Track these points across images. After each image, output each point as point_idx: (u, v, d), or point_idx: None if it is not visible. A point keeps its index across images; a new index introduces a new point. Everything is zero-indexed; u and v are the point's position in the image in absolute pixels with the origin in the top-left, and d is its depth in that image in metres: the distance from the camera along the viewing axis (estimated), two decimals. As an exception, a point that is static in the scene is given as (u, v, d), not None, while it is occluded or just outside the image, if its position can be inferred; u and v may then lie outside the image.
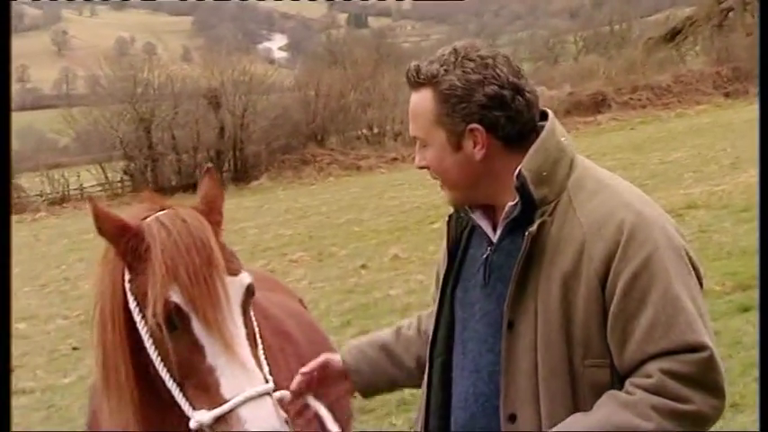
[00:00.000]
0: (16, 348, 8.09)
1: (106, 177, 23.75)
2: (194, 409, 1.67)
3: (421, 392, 1.92)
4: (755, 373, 4.35)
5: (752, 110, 19.52)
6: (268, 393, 1.65)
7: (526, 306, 1.63)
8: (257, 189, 22.24)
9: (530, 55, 53.29)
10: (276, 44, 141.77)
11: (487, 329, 1.70)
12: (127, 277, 1.76)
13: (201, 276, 1.68)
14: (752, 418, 4.21)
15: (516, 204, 1.65)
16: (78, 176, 23.43)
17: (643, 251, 1.56)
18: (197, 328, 1.68)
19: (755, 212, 8.38)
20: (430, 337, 1.85)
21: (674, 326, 1.54)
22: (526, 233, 1.61)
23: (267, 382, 1.68)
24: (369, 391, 2.01)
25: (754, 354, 4.48)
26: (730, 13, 29.37)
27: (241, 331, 1.71)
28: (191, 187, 19.60)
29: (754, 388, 4.35)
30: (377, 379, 1.97)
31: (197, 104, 23.60)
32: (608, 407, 1.55)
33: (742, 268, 7.13)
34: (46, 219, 22.28)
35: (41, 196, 23.54)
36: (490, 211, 1.75)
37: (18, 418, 6.50)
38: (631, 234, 1.57)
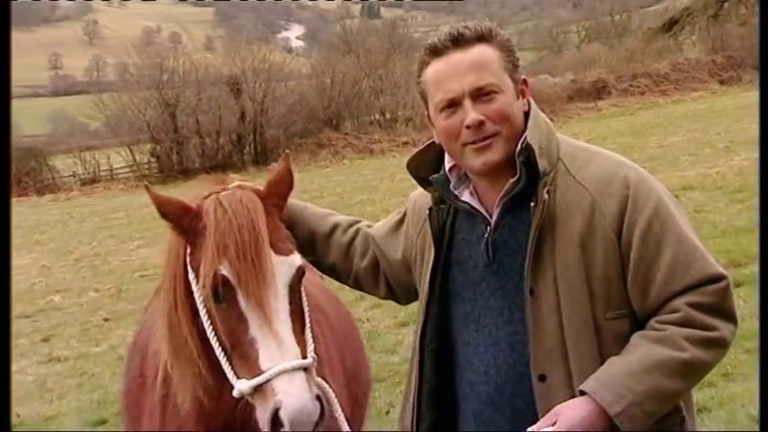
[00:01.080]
0: (51, 319, 9.49)
1: (134, 159, 24.68)
2: (237, 378, 1.79)
3: (406, 383, 2.02)
4: (747, 344, 4.57)
5: (745, 96, 21.26)
6: (303, 368, 1.74)
7: (544, 272, 1.72)
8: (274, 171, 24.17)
9: (534, 44, 56.07)
10: (294, 34, 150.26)
11: (503, 303, 1.79)
12: (188, 251, 1.92)
13: (249, 253, 1.80)
14: (743, 386, 4.43)
15: (519, 180, 1.73)
16: (108, 158, 24.36)
17: (651, 201, 1.71)
18: (242, 301, 1.80)
19: (748, 193, 9.50)
20: (419, 329, 1.95)
21: (693, 262, 1.68)
22: (532, 204, 1.72)
23: (305, 357, 1.78)
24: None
25: (745, 326, 4.25)
26: (725, 4, 30.01)
27: (283, 307, 1.81)
28: (213, 169, 20.05)
29: (745, 359, 4.63)
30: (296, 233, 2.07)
31: (219, 91, 24.47)
32: (642, 346, 1.66)
33: (735, 246, 7.41)
34: (78, 198, 23.06)
35: (74, 177, 24.45)
36: (475, 194, 1.85)
37: (53, 384, 7.09)
38: (637, 188, 1.72)
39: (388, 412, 4.80)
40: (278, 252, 1.86)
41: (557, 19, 69.99)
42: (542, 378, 1.73)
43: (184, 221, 1.91)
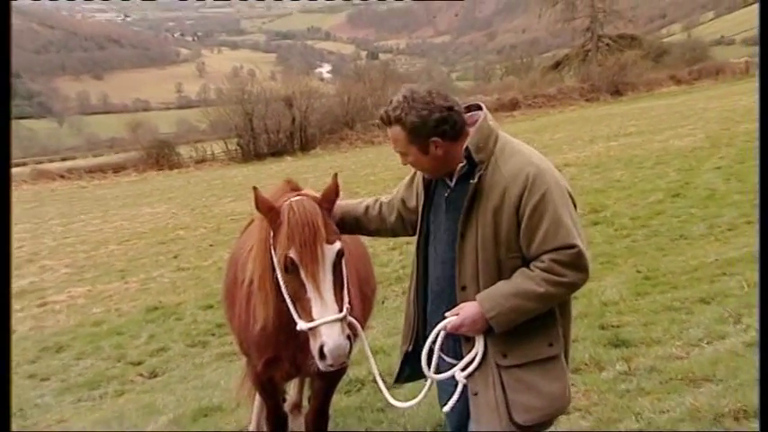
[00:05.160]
0: (178, 245, 13.40)
1: (227, 148, 35.21)
2: (300, 319, 2.63)
3: (411, 275, 2.86)
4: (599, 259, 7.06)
5: (601, 109, 34.23)
6: (339, 320, 2.55)
7: (471, 224, 2.48)
8: (314, 155, 32.96)
9: (474, 76, 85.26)
10: (325, 69, 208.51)
11: (449, 237, 2.56)
12: (271, 235, 2.74)
13: (308, 244, 2.60)
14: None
15: (464, 165, 2.49)
16: (211, 147, 35.80)
17: (539, 191, 2.41)
18: (302, 274, 2.61)
19: (602, 167, 14.71)
20: (416, 241, 2.76)
21: (559, 234, 2.40)
22: (470, 182, 2.45)
23: (341, 311, 2.58)
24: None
25: (599, 250, 8.09)
26: (589, 53, 46.32)
27: (328, 278, 2.60)
28: (274, 154, 33.64)
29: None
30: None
31: (278, 105, 35.17)
32: (517, 279, 2.45)
33: (595, 200, 11.08)
34: (193, 172, 32.37)
35: (191, 158, 34.80)
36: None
37: (180, 283, 10.14)
38: (533, 181, 2.42)
39: (383, 302, 6.35)
40: (327, 242, 2.64)
41: (488, 60, 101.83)
42: (463, 288, 2.53)
43: (270, 215, 2.72)
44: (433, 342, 2.56)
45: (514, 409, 2.46)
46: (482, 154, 2.47)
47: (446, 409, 2.59)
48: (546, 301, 2.44)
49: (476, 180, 2.44)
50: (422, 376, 2.67)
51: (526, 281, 2.42)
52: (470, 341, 2.53)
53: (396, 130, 2.52)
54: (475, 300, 2.46)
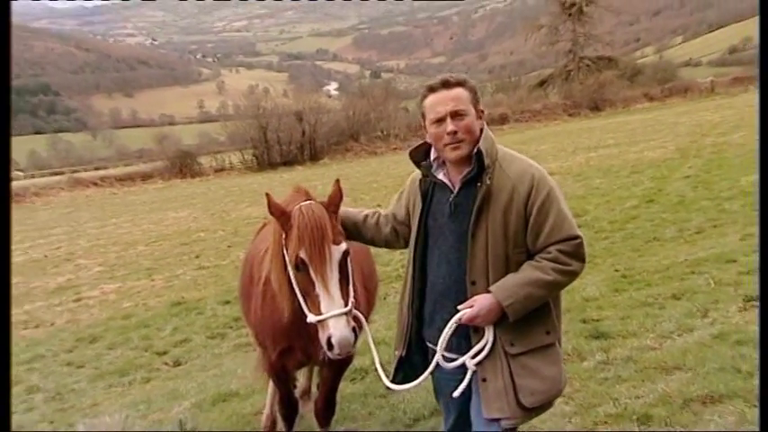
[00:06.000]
0: (199, 245, 13.32)
1: (243, 158, 35.45)
2: (309, 312, 2.61)
3: (404, 281, 2.79)
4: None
5: (582, 123, 34.38)
6: (345, 313, 2.55)
7: (481, 225, 2.46)
8: (322, 164, 33.00)
9: None
10: (332, 87, 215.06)
11: (455, 239, 2.53)
12: (283, 237, 2.73)
13: (317, 245, 2.60)
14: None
15: (473, 168, 2.48)
16: (229, 157, 35.75)
17: (545, 190, 2.44)
18: (311, 272, 2.60)
19: (584, 176, 14.48)
20: (411, 250, 2.68)
21: (563, 227, 2.43)
22: (477, 185, 2.45)
23: (347, 305, 2.57)
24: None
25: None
26: (571, 73, 46.05)
27: (335, 276, 2.59)
28: (286, 163, 33.74)
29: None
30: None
31: (290, 119, 35.17)
32: (527, 270, 2.44)
33: (577, 206, 10.74)
34: (213, 179, 32.43)
35: (211, 167, 34.79)
36: (447, 174, 2.58)
37: (200, 281, 10.15)
38: (538, 181, 2.45)
39: (385, 298, 6.38)
40: (334, 242, 2.63)
41: (479, 79, 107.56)
42: (473, 283, 2.48)
43: (282, 219, 2.71)
44: (448, 331, 2.50)
45: (521, 393, 2.44)
46: (488, 159, 2.46)
47: (456, 394, 2.52)
48: (553, 288, 2.45)
49: (488, 182, 2.43)
50: (414, 379, 2.64)
51: (535, 271, 2.41)
52: (479, 332, 2.49)
53: (458, 91, 2.49)
54: (487, 293, 2.43)
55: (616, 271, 6.97)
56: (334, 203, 2.78)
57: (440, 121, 2.48)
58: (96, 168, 43.67)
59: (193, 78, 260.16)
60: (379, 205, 6.60)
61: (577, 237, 2.43)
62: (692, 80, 46.00)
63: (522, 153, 2.61)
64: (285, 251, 2.71)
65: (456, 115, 2.46)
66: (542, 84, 48.82)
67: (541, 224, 2.42)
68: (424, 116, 2.57)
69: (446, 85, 2.50)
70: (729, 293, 5.63)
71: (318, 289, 2.58)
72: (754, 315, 5.04)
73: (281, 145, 34.53)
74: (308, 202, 2.73)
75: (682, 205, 10.01)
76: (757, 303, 5.25)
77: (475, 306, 2.43)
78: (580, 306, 5.82)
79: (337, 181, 2.82)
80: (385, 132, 36.87)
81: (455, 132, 2.45)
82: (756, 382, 2.99)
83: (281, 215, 2.72)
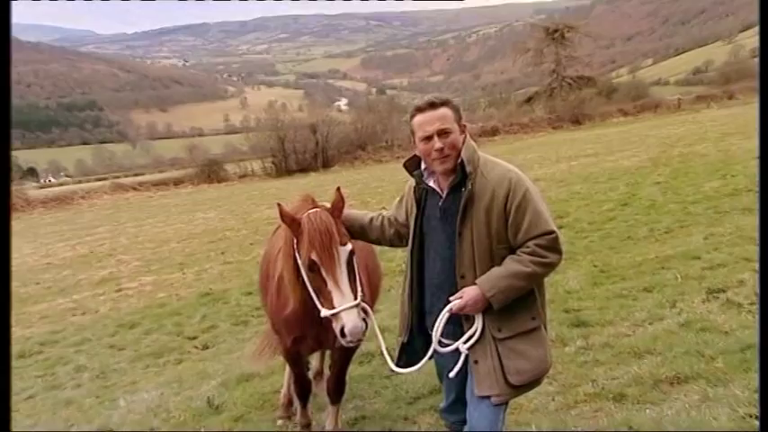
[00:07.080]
0: (225, 243, 12.99)
1: (263, 165, 35.18)
2: (323, 307, 2.60)
3: (404, 277, 2.77)
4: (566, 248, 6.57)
5: (565, 134, 33.88)
6: (355, 306, 2.54)
7: (466, 224, 2.46)
8: (333, 171, 32.50)
9: (462, 108, 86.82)
10: (343, 103, 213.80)
11: (446, 238, 2.53)
12: (295, 242, 2.72)
13: (326, 247, 2.59)
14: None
15: (457, 176, 2.49)
16: (251, 165, 35.28)
17: (521, 191, 2.42)
18: (323, 271, 2.59)
19: (566, 182, 14.16)
20: (409, 246, 2.69)
21: (540, 224, 2.41)
22: (462, 190, 2.46)
23: (356, 299, 2.56)
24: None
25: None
26: (555, 90, 45.33)
27: (344, 274, 2.58)
28: (301, 170, 33.40)
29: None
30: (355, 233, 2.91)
31: (305, 131, 35.20)
32: (508, 263, 2.44)
33: (559, 209, 10.67)
34: (237, 185, 32.17)
35: (235, 174, 34.81)
36: (436, 182, 2.59)
37: (226, 274, 9.92)
38: (515, 183, 2.44)
39: (389, 290, 6.18)
40: (340, 244, 2.63)
41: (472, 95, 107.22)
42: (463, 277, 2.49)
43: (293, 225, 2.70)
44: (441, 320, 2.53)
45: (509, 373, 2.45)
46: (470, 166, 2.47)
47: (451, 375, 2.54)
48: (532, 279, 2.43)
49: (470, 187, 2.43)
50: (416, 362, 2.65)
51: (516, 264, 2.40)
52: (470, 319, 2.51)
53: (444, 111, 2.48)
54: (474, 285, 2.44)
55: (594, 266, 6.94)
56: (337, 208, 2.77)
57: (428, 138, 2.48)
58: (135, 175, 43.59)
59: (220, 95, 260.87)
60: (384, 207, 6.55)
61: (553, 232, 2.41)
62: (662, 98, 45.84)
63: (510, 162, 2.59)
64: (297, 254, 2.70)
65: (442, 133, 2.46)
66: (529, 100, 48.76)
67: (520, 222, 2.41)
68: (413, 133, 2.56)
69: (432, 105, 2.49)
70: (694, 287, 5.61)
71: (330, 286, 2.57)
72: (716, 306, 5.03)
73: (297, 154, 34.48)
74: (314, 209, 2.72)
75: (653, 208, 9.96)
76: (719, 295, 5.25)
77: (463, 297, 2.45)
78: (562, 297, 5.80)
79: (338, 189, 2.80)
80: (389, 143, 37.16)
81: (442, 149, 2.46)
82: (757, 382, 2.96)
83: (291, 222, 2.70)
